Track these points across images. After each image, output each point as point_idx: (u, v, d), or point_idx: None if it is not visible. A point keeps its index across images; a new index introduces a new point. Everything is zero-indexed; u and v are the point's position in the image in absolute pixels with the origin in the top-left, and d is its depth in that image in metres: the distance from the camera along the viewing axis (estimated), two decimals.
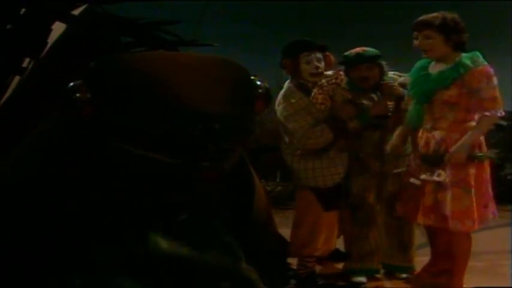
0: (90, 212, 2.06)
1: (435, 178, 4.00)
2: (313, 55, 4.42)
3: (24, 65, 3.35)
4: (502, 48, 8.33)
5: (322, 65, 4.45)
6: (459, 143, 3.94)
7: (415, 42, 4.11)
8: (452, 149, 3.95)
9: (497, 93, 4.02)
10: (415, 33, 4.08)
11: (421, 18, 4.07)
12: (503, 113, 4.09)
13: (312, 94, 4.39)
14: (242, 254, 2.31)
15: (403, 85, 4.42)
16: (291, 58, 4.47)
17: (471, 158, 3.97)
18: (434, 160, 4.00)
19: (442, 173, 3.98)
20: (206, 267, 2.17)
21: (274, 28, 9.81)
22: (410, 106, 4.17)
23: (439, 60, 4.11)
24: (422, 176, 4.02)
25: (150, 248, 2.10)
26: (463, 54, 4.05)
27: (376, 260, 4.46)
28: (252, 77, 2.11)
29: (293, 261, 4.51)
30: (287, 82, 4.57)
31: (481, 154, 3.99)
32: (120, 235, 2.08)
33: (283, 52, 4.56)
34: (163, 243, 2.11)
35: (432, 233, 4.25)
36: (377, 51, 4.50)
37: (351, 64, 4.43)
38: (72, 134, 2.07)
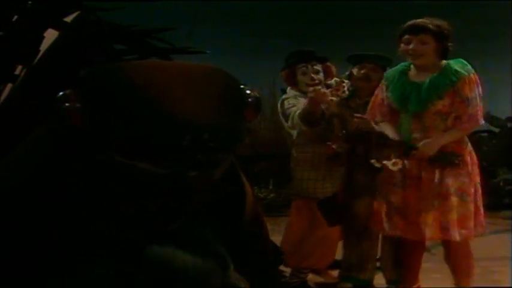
0: (76, 221, 2.06)
1: (389, 165, 3.92)
2: (309, 66, 4.46)
3: (16, 72, 3.34)
4: (502, 48, 8.37)
5: (319, 76, 4.47)
6: (431, 139, 3.91)
7: (405, 46, 3.99)
8: (423, 142, 3.92)
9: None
10: (408, 36, 3.97)
11: (415, 21, 3.99)
12: (482, 122, 4.08)
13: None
14: (231, 263, 2.31)
15: None
16: (288, 69, 4.50)
17: (438, 158, 3.91)
18: (404, 148, 3.95)
19: (399, 163, 3.92)
20: (193, 277, 2.17)
21: (267, 35, 9.82)
22: (403, 120, 4.08)
23: (421, 67, 4.02)
24: (384, 161, 3.97)
25: (139, 259, 2.11)
26: (450, 61, 4.01)
27: (367, 272, 4.44)
28: (242, 86, 2.11)
29: (285, 269, 4.52)
30: (288, 90, 4.60)
31: (452, 157, 3.90)
32: (108, 245, 2.08)
33: (285, 62, 4.58)
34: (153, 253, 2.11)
35: (409, 248, 4.15)
36: (388, 56, 4.51)
37: (357, 61, 4.44)
38: (61, 143, 2.07)
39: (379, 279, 4.53)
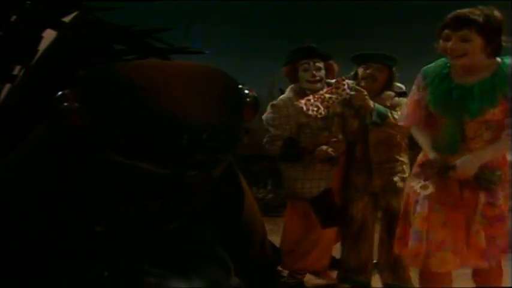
0: (76, 221, 2.06)
1: (418, 189, 3.37)
2: (311, 63, 4.45)
3: (15, 72, 3.35)
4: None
5: (321, 73, 4.47)
6: (470, 155, 3.33)
7: (443, 44, 3.31)
8: (461, 160, 3.32)
9: None
10: (447, 31, 3.28)
11: (456, 13, 3.29)
12: None
13: (302, 101, 4.40)
14: (232, 267, 2.31)
15: (394, 106, 4.34)
16: (290, 65, 4.51)
17: (478, 179, 3.32)
18: (441, 167, 3.36)
19: (430, 186, 3.35)
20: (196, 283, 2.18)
21: (266, 35, 9.83)
22: (444, 128, 3.43)
23: (466, 67, 3.36)
24: (413, 183, 3.46)
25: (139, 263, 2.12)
26: (504, 59, 3.38)
27: (366, 274, 4.44)
28: (240, 86, 2.12)
29: (283, 270, 4.53)
30: (288, 89, 4.60)
31: (493, 176, 3.32)
32: (108, 245, 2.09)
33: (288, 58, 4.59)
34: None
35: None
36: (394, 56, 4.45)
37: (362, 61, 4.40)
38: (61, 143, 2.08)
39: (376, 280, 4.54)
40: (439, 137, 3.46)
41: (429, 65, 3.53)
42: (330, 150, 4.31)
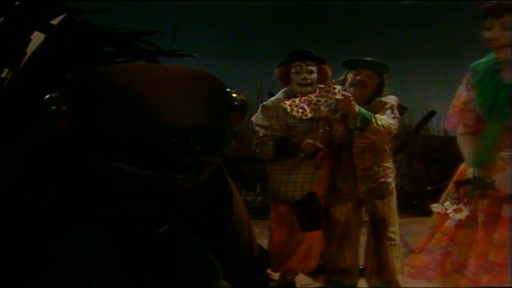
0: (65, 221, 2.06)
1: (451, 212, 3.00)
2: (303, 65, 4.41)
3: (3, 75, 3.33)
4: None
5: (312, 76, 4.44)
6: (508, 170, 2.91)
7: (486, 33, 2.94)
8: (499, 176, 2.93)
9: None
10: (490, 19, 2.91)
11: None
12: None
13: (287, 102, 4.38)
14: (221, 271, 2.31)
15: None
16: (283, 66, 4.49)
17: None
18: (477, 184, 2.98)
19: (464, 210, 2.96)
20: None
21: (255, 38, 9.82)
22: (488, 131, 3.05)
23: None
24: (446, 204, 3.04)
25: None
26: None
27: (353, 277, 4.43)
28: (228, 89, 2.12)
29: (273, 272, 4.53)
30: (282, 90, 4.58)
31: None
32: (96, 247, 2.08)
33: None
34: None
35: None
36: (385, 63, 4.40)
37: (352, 66, 4.37)
38: (51, 145, 2.08)
39: (363, 283, 4.53)
40: (484, 144, 3.04)
41: (479, 61, 3.12)
42: (317, 142, 4.28)
